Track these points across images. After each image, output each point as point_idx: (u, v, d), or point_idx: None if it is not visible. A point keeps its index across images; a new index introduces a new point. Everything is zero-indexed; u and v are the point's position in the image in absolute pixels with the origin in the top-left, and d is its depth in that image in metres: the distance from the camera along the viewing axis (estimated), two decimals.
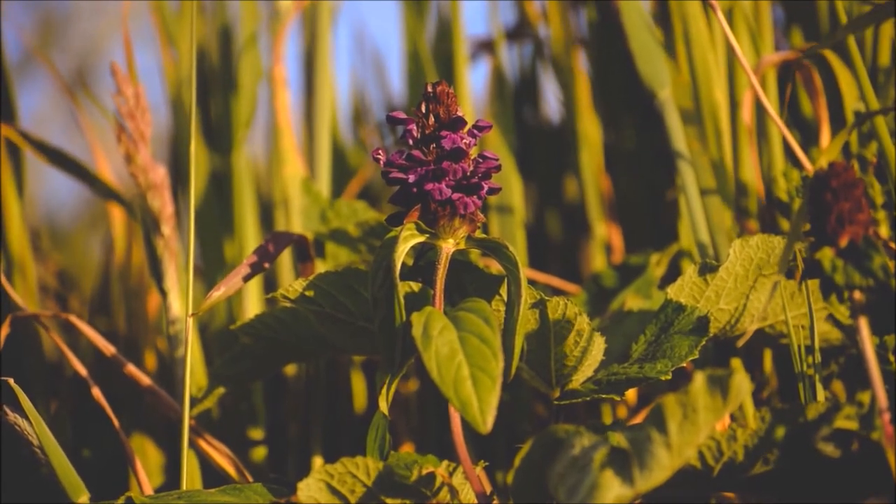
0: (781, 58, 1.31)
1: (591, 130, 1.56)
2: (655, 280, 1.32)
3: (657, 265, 1.33)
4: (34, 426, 0.97)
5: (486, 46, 1.70)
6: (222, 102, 1.55)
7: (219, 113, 1.56)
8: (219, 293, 1.08)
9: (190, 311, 1.07)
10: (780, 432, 0.86)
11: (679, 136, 1.29)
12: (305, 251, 1.22)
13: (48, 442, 0.96)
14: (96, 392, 1.15)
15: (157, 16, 1.53)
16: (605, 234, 1.56)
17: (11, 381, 0.99)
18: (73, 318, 1.20)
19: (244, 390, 1.39)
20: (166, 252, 1.19)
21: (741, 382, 0.81)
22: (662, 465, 0.82)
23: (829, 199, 0.83)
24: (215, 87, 1.57)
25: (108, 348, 1.21)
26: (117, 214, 1.53)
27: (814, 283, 1.08)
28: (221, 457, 1.20)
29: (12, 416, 0.99)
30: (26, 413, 0.98)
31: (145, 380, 1.20)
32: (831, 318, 1.11)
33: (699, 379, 0.82)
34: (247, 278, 1.10)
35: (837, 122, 1.31)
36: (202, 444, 1.20)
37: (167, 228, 1.18)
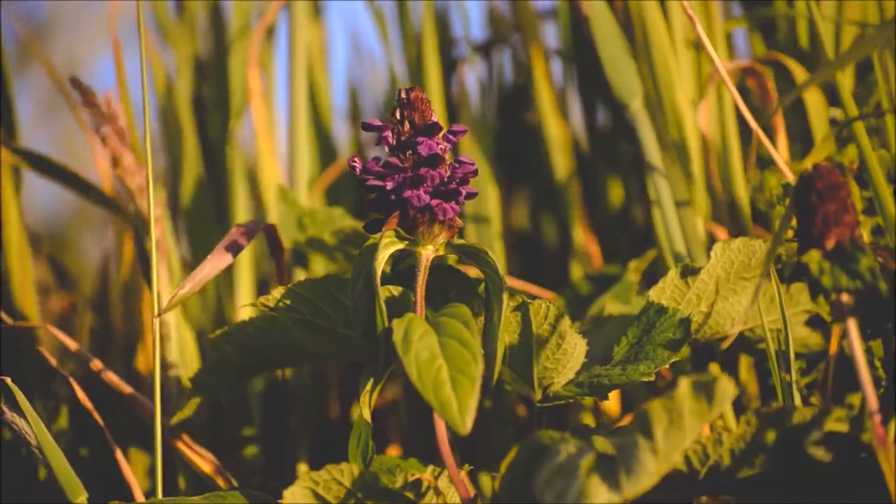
0: (736, 66, 1.31)
1: (560, 135, 1.55)
2: (633, 285, 1.32)
3: (634, 271, 1.33)
4: (32, 426, 0.96)
5: (479, 49, 1.71)
6: (214, 95, 1.55)
7: (210, 106, 1.55)
8: (184, 290, 1.07)
9: (157, 313, 1.06)
10: (770, 436, 0.86)
11: (651, 147, 1.29)
12: (277, 243, 1.20)
13: (46, 441, 0.96)
14: (81, 395, 1.15)
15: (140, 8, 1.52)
16: (581, 240, 1.55)
17: (9, 380, 0.98)
18: (51, 328, 1.20)
19: (229, 396, 1.39)
20: (157, 252, 1.18)
21: (726, 387, 0.81)
22: (649, 471, 0.81)
23: (814, 201, 0.82)
24: (207, 81, 1.57)
25: (88, 356, 1.20)
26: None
27: (793, 288, 1.09)
28: (206, 463, 1.19)
29: (10, 416, 0.99)
30: (24, 412, 0.97)
31: (126, 388, 1.20)
32: (810, 323, 1.11)
33: (684, 384, 0.81)
34: (214, 273, 1.09)
35: (799, 131, 1.32)
36: (185, 450, 1.19)
37: (157, 230, 1.18)
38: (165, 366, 1.22)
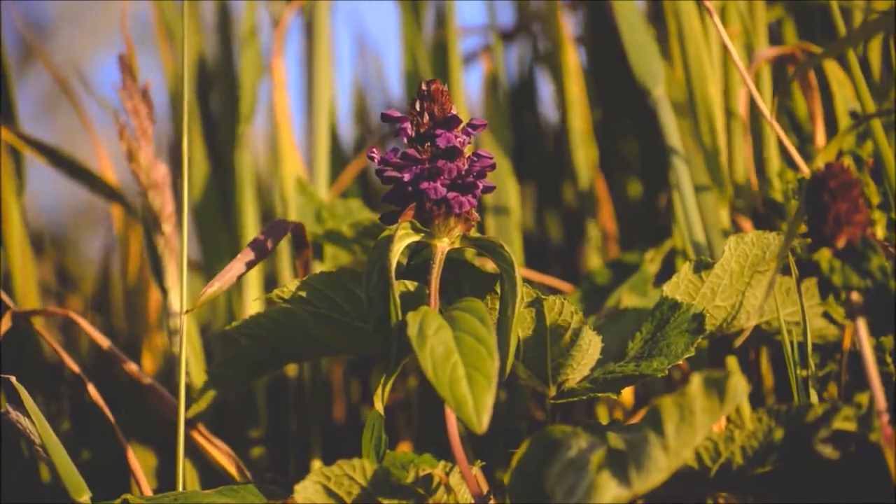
0: (776, 52, 1.31)
1: (584, 127, 1.55)
2: (650, 277, 1.32)
3: (651, 262, 1.33)
4: (36, 424, 0.97)
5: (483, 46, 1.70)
6: (223, 98, 1.55)
7: (219, 109, 1.56)
8: (213, 289, 1.07)
9: (185, 308, 1.07)
10: (778, 434, 0.86)
11: (673, 133, 1.28)
12: (303, 240, 1.21)
13: (50, 440, 0.96)
14: (92, 390, 1.15)
15: (156, 9, 1.53)
16: (600, 233, 1.55)
17: (14, 378, 0.98)
18: (74, 315, 1.20)
19: (243, 390, 1.39)
20: (167, 250, 1.19)
21: (738, 384, 0.81)
22: (659, 467, 0.82)
23: (826, 200, 0.82)
24: (216, 83, 1.57)
25: (107, 345, 1.20)
26: (118, 213, 1.53)
27: (808, 281, 1.08)
28: (222, 455, 1.19)
29: (14, 415, 0.99)
30: (28, 411, 0.97)
31: (145, 378, 1.20)
32: (828, 315, 1.11)
33: (696, 381, 0.81)
34: (242, 272, 1.09)
35: (830, 120, 1.31)
36: (203, 442, 1.19)
37: (168, 227, 1.18)
38: (176, 361, 1.23)
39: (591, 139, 1.55)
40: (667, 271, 1.32)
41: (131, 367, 1.20)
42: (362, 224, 1.25)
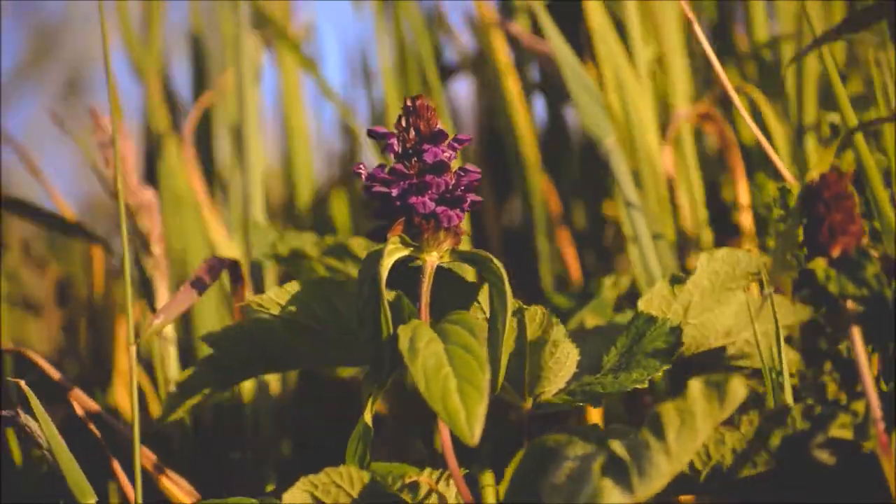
0: (697, 111, 1.35)
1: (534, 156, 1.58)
2: (611, 301, 1.33)
3: (612, 287, 1.34)
4: (43, 428, 0.96)
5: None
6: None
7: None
8: (158, 321, 1.08)
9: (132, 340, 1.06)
10: (769, 437, 0.87)
11: (627, 183, 1.32)
12: (238, 274, 1.22)
13: (57, 444, 0.96)
14: (79, 408, 1.14)
15: (129, 50, 1.55)
16: (554, 257, 1.58)
17: (22, 382, 0.98)
18: (27, 351, 1.20)
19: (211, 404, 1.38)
20: (156, 272, 1.19)
21: (738, 387, 0.82)
22: (662, 473, 0.82)
23: (821, 211, 0.84)
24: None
25: (59, 377, 1.19)
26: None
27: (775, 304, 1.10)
28: (182, 493, 1.18)
29: (24, 418, 0.98)
30: (36, 415, 0.97)
31: (94, 407, 1.19)
32: (788, 341, 1.13)
33: (696, 385, 0.83)
34: (187, 305, 1.09)
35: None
36: (163, 480, 1.18)
37: (157, 248, 1.18)
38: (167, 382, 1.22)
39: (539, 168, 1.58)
40: (626, 298, 1.34)
41: (83, 400, 1.18)
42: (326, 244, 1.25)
